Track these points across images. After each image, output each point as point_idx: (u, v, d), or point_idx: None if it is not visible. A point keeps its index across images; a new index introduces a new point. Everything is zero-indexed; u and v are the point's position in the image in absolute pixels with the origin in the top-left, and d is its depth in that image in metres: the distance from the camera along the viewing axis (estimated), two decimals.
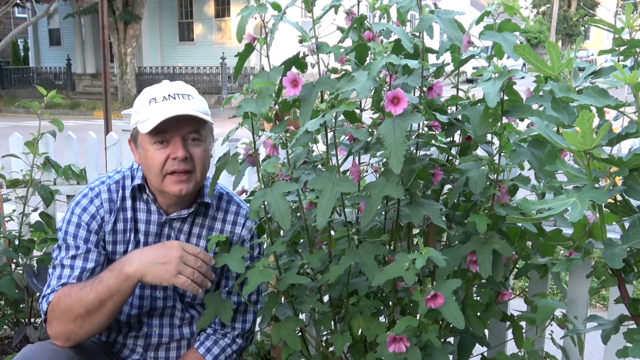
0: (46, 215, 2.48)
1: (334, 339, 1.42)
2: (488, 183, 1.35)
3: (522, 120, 1.34)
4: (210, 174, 1.53)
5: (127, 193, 1.57)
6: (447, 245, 1.55)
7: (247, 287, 1.36)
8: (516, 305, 1.83)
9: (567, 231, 1.47)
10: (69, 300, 1.43)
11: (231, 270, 1.47)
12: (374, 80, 1.20)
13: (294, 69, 1.39)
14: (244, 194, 1.83)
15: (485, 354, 1.63)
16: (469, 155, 1.46)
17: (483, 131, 1.31)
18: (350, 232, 1.37)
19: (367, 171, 1.49)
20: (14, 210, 2.57)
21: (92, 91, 19.04)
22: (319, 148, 1.50)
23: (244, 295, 1.44)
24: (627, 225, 1.12)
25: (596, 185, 1.01)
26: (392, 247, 1.47)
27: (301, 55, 1.40)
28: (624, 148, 1.82)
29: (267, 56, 1.37)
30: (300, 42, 1.34)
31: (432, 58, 1.40)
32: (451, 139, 1.48)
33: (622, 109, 1.08)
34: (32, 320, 2.41)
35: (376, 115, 1.41)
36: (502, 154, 1.34)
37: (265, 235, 1.57)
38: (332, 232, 1.47)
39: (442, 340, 1.37)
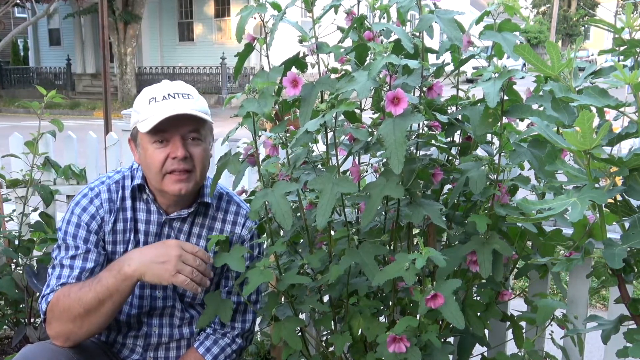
0: (46, 215, 2.48)
1: (334, 339, 1.42)
2: (488, 183, 1.35)
3: (522, 120, 1.34)
4: (210, 173, 1.53)
5: (127, 193, 1.57)
6: (447, 245, 1.55)
7: (247, 287, 1.36)
8: (516, 305, 1.83)
9: (567, 231, 1.47)
10: (68, 300, 1.43)
11: (231, 270, 1.47)
12: (374, 80, 1.20)
13: (294, 69, 1.39)
14: (244, 194, 1.82)
15: (485, 354, 1.63)
16: (469, 155, 1.46)
17: (483, 131, 1.31)
18: (350, 232, 1.37)
19: (367, 171, 1.49)
20: (13, 210, 2.57)
21: (92, 91, 19.03)
22: (319, 148, 1.50)
23: (243, 295, 1.44)
24: (627, 225, 1.12)
25: (596, 185, 1.01)
26: (392, 247, 1.47)
27: (301, 55, 1.40)
28: (624, 148, 1.82)
29: (267, 56, 1.37)
30: (300, 42, 1.34)
31: (432, 58, 1.40)
32: (451, 139, 1.48)
33: (622, 109, 1.08)
34: (32, 320, 2.41)
35: (376, 115, 1.41)
36: (502, 154, 1.34)
37: (265, 235, 1.58)
38: (332, 232, 1.47)
39: (442, 340, 1.37)
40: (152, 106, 1.46)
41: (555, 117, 1.16)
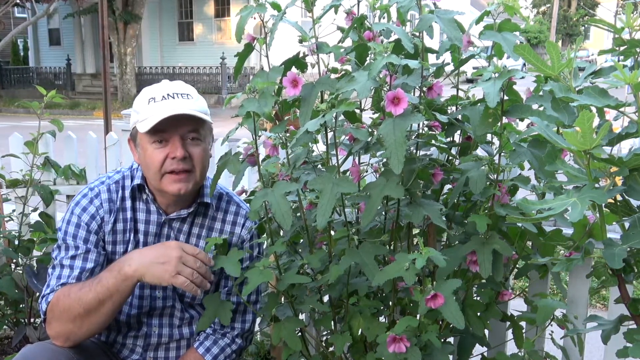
0: (46, 215, 2.48)
1: (334, 339, 1.42)
2: (488, 183, 1.35)
3: (522, 120, 1.34)
4: (210, 173, 1.53)
5: (127, 193, 1.57)
6: (447, 245, 1.55)
7: (247, 287, 1.36)
8: (516, 305, 1.83)
9: (567, 231, 1.47)
10: (68, 300, 1.43)
11: None
12: (374, 80, 1.19)
13: (294, 69, 1.39)
14: (244, 194, 1.82)
15: (485, 354, 1.63)
16: (469, 155, 1.46)
17: (483, 131, 1.31)
18: (350, 232, 1.37)
19: (367, 171, 1.49)
20: (13, 210, 2.57)
21: (91, 91, 19.03)
22: (319, 148, 1.50)
23: (243, 296, 1.44)
24: (627, 225, 1.12)
25: (596, 185, 1.01)
26: (392, 247, 1.47)
27: (301, 55, 1.40)
28: (624, 148, 1.82)
29: (267, 56, 1.37)
30: (300, 42, 1.34)
31: (432, 58, 1.40)
32: (451, 139, 1.48)
33: (622, 109, 1.08)
34: (32, 320, 2.41)
35: (376, 115, 1.41)
36: (502, 154, 1.33)
37: (265, 235, 1.57)
38: (332, 232, 1.47)
39: (442, 340, 1.37)
40: (151, 106, 1.46)
41: (555, 117, 1.16)
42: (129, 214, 1.57)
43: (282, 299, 1.55)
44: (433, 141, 1.45)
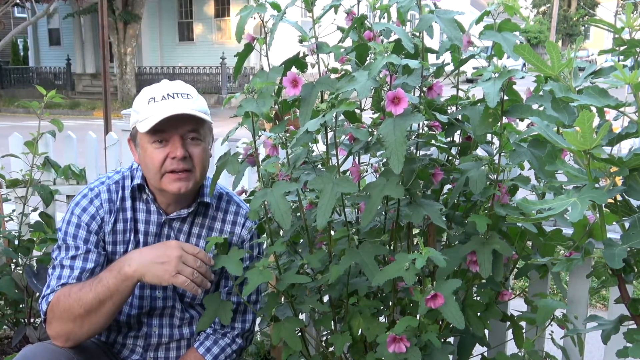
0: (46, 215, 2.48)
1: (334, 339, 1.42)
2: (488, 183, 1.35)
3: (522, 120, 1.34)
4: (210, 173, 1.53)
5: (127, 193, 1.57)
6: (447, 245, 1.55)
7: (247, 287, 1.36)
8: (516, 305, 1.83)
9: (567, 231, 1.47)
10: (68, 300, 1.43)
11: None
12: (374, 80, 1.19)
13: (293, 69, 1.39)
14: (244, 194, 1.82)
15: (485, 354, 1.63)
16: (469, 155, 1.46)
17: (483, 131, 1.31)
18: (350, 232, 1.37)
19: (367, 171, 1.49)
20: (13, 210, 2.57)
21: (91, 91, 19.04)
22: (319, 148, 1.50)
23: (243, 296, 1.44)
24: (627, 225, 1.12)
25: (596, 185, 1.01)
26: (392, 247, 1.47)
27: (301, 55, 1.40)
28: (624, 148, 1.82)
29: (267, 56, 1.37)
30: (300, 42, 1.34)
31: (432, 58, 1.40)
32: (451, 139, 1.48)
33: (622, 109, 1.08)
34: (32, 320, 2.41)
35: (376, 115, 1.41)
36: (502, 154, 1.33)
37: (265, 235, 1.57)
38: (332, 232, 1.47)
39: (442, 340, 1.37)
40: (151, 106, 1.46)
41: (555, 117, 1.16)
42: (129, 214, 1.57)
43: (282, 299, 1.55)
44: (433, 141, 1.45)
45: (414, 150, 1.43)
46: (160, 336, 1.63)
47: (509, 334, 1.59)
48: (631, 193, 1.05)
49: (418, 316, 1.32)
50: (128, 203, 1.57)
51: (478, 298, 1.49)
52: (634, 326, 1.18)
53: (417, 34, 1.34)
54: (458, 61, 1.43)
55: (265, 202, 1.36)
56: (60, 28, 21.29)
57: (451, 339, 1.63)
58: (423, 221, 1.45)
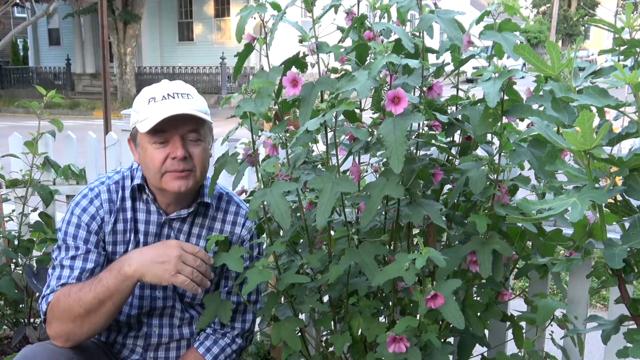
0: (45, 215, 2.47)
1: (334, 339, 1.42)
2: (488, 183, 1.35)
3: (522, 120, 1.34)
4: (210, 173, 1.53)
5: (127, 193, 1.57)
6: (447, 245, 1.55)
7: (247, 287, 1.36)
8: (516, 305, 1.83)
9: (567, 231, 1.47)
10: (68, 300, 1.43)
11: (230, 270, 1.46)
12: (374, 79, 1.19)
13: (293, 69, 1.39)
14: (244, 194, 1.82)
15: (485, 354, 1.63)
16: (469, 155, 1.46)
17: (483, 131, 1.31)
18: (350, 232, 1.37)
19: (367, 171, 1.49)
20: (13, 210, 2.57)
21: (91, 91, 19.04)
22: (319, 148, 1.50)
23: (243, 295, 1.44)
24: (627, 225, 1.11)
25: (596, 185, 1.01)
26: (392, 247, 1.47)
27: (301, 55, 1.40)
28: (624, 148, 1.82)
29: (267, 56, 1.37)
30: (300, 42, 1.34)
31: (432, 58, 1.40)
32: (451, 139, 1.48)
33: (622, 109, 1.08)
34: (32, 320, 2.41)
35: (376, 115, 1.41)
36: (502, 154, 1.33)
37: (264, 235, 1.57)
38: (332, 232, 1.47)
39: (442, 340, 1.37)
40: (151, 106, 1.46)
41: (555, 117, 1.16)
42: (129, 214, 1.57)
43: (282, 298, 1.55)
44: (433, 141, 1.45)
45: (414, 150, 1.43)
46: (160, 336, 1.63)
47: (509, 334, 1.59)
48: (631, 193, 1.05)
49: (418, 316, 1.32)
50: (128, 203, 1.57)
51: (478, 298, 1.49)
52: (634, 326, 1.18)
53: (417, 33, 1.34)
54: (458, 61, 1.43)
55: (265, 202, 1.36)
56: (60, 28, 21.29)
57: (451, 339, 1.63)
58: (423, 221, 1.45)
